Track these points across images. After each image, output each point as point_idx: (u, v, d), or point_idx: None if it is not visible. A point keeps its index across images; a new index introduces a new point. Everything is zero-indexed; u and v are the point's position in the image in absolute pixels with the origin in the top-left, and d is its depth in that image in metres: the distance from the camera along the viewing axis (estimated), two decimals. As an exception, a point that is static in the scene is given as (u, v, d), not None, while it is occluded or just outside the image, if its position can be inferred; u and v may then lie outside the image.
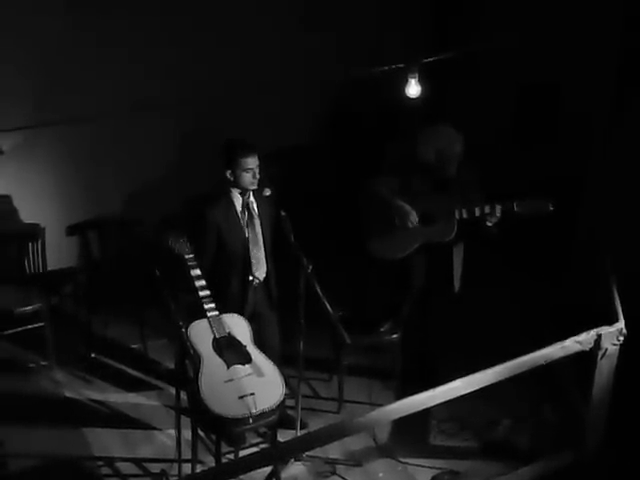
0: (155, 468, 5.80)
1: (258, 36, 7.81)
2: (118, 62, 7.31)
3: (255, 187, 5.70)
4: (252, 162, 5.62)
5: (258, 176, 5.65)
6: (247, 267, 5.85)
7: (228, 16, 7.64)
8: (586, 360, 5.00)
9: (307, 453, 5.75)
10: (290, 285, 5.45)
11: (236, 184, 5.69)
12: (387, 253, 6.23)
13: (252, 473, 4.38)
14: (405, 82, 6.68)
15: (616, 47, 6.81)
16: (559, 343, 4.75)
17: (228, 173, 5.66)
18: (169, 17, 7.38)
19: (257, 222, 5.83)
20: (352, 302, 6.52)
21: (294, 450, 4.93)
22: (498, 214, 5.92)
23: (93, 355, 7.10)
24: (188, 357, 5.28)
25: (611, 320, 4.96)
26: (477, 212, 5.94)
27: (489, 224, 5.96)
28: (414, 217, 6.09)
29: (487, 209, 5.92)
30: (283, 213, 5.47)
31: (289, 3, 7.98)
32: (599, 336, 4.86)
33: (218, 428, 5.08)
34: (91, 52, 7.18)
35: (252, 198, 5.79)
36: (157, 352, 7.07)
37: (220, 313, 5.43)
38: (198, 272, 5.50)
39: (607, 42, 6.94)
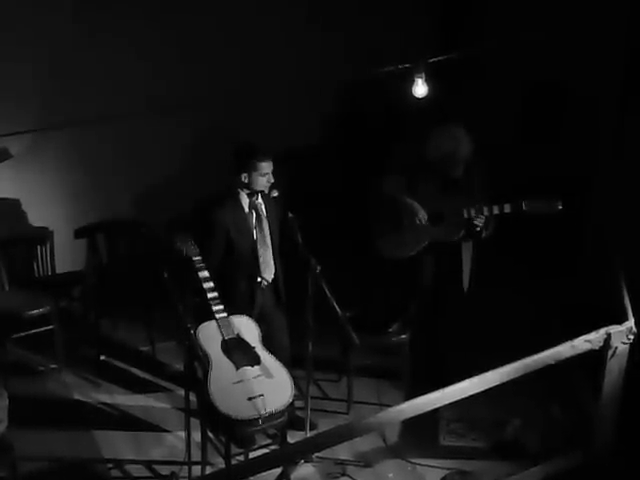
0: (165, 470, 5.79)
1: (265, 37, 7.81)
2: (126, 65, 7.33)
3: (267, 189, 5.71)
4: (268, 167, 5.65)
5: (272, 180, 5.67)
6: (255, 268, 5.85)
7: (234, 17, 7.65)
8: (596, 359, 5.00)
9: (317, 454, 5.75)
10: (298, 286, 5.45)
11: (248, 186, 5.70)
12: (395, 252, 6.23)
13: (262, 475, 4.37)
14: (412, 82, 6.67)
15: (623, 46, 6.81)
16: (569, 342, 4.74)
17: (243, 176, 5.66)
18: (177, 19, 7.39)
19: (265, 223, 5.83)
20: (360, 303, 6.51)
21: (303, 451, 4.92)
22: (484, 216, 5.93)
23: (102, 357, 7.10)
24: (197, 359, 5.28)
25: (621, 319, 4.95)
26: (486, 212, 5.94)
27: (477, 228, 5.96)
28: (423, 214, 6.09)
29: (496, 209, 5.92)
30: (291, 214, 5.48)
31: (296, 4, 7.97)
32: (609, 335, 4.85)
33: (227, 430, 5.09)
34: (99, 55, 7.19)
35: (260, 199, 5.80)
36: (166, 354, 7.08)
37: (228, 315, 5.44)
38: (206, 274, 5.51)
39: (614, 41, 6.94)
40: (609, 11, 6.90)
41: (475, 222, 5.96)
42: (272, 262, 5.93)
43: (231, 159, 5.72)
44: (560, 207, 5.85)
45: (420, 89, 6.63)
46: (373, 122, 8.62)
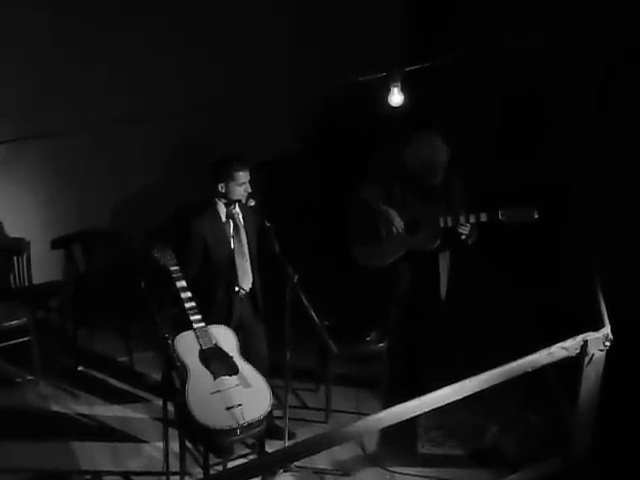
0: (143, 481, 5.79)
1: (242, 45, 7.81)
2: (103, 75, 7.30)
3: (244, 199, 5.71)
4: (245, 176, 5.66)
5: (250, 190, 5.67)
6: (233, 278, 5.85)
7: (211, 26, 7.64)
8: (574, 365, 5.02)
9: (295, 463, 5.74)
10: (276, 295, 5.44)
11: (225, 196, 5.71)
12: (372, 260, 6.23)
13: (240, 484, 4.37)
14: (388, 91, 6.69)
15: (598, 57, 6.84)
16: (545, 349, 4.76)
17: (220, 186, 5.67)
18: (153, 30, 7.37)
19: (243, 233, 5.84)
20: (338, 311, 6.52)
21: (282, 461, 4.91)
22: (469, 224, 5.94)
23: (80, 368, 7.06)
24: (175, 369, 5.28)
25: (597, 326, 4.97)
26: (462, 220, 5.94)
27: (463, 236, 5.97)
28: (399, 223, 6.09)
29: (472, 218, 5.92)
30: (268, 224, 5.48)
31: (273, 11, 7.98)
32: (585, 342, 4.87)
33: (206, 440, 5.09)
34: (76, 65, 7.16)
35: (237, 209, 5.80)
36: (144, 364, 7.05)
37: (206, 324, 5.43)
38: (184, 284, 5.51)
39: (590, 52, 6.97)
40: (586, 25, 6.93)
41: (460, 230, 5.96)
42: (250, 271, 5.93)
43: (208, 169, 5.72)
44: (537, 216, 5.86)
45: (396, 98, 6.64)
46: (352, 131, 8.63)
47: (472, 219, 5.93)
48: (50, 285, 7.53)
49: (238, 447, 5.64)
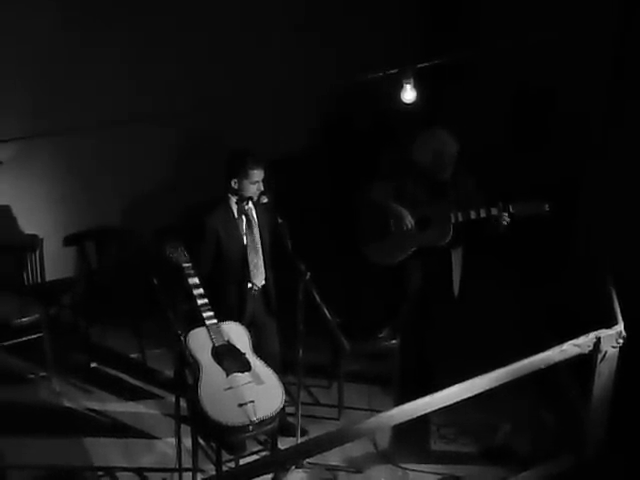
0: (156, 477, 5.79)
1: (252, 44, 7.80)
2: (116, 75, 7.31)
3: (256, 196, 5.70)
4: (259, 174, 5.63)
5: (262, 188, 5.66)
6: (246, 274, 5.84)
7: (221, 24, 7.64)
8: (587, 362, 5.01)
9: (307, 460, 5.75)
10: (289, 292, 5.44)
11: (237, 192, 5.70)
12: (383, 258, 6.22)
13: (253, 481, 4.37)
14: (400, 88, 6.68)
15: (609, 56, 6.83)
16: (558, 347, 4.75)
17: (233, 182, 5.66)
18: (163, 27, 7.37)
19: (256, 229, 5.82)
20: (350, 308, 6.51)
21: (294, 457, 4.93)
22: (507, 213, 5.90)
23: (92, 365, 7.08)
24: (187, 366, 5.28)
25: (610, 322, 4.96)
26: (473, 215, 5.93)
27: (504, 223, 5.93)
28: (409, 220, 6.07)
29: (483, 212, 5.91)
30: (280, 220, 5.47)
31: (282, 14, 7.97)
32: (598, 339, 4.87)
33: (218, 436, 5.09)
34: (89, 64, 7.17)
35: (250, 205, 5.79)
36: (156, 361, 7.06)
37: (219, 321, 5.44)
38: (196, 280, 5.50)
39: (601, 47, 6.96)
40: (598, 19, 6.92)
41: (501, 220, 5.93)
42: (263, 268, 5.91)
43: (222, 165, 5.71)
44: (547, 208, 5.86)
45: (408, 94, 6.65)
46: (361, 127, 8.62)
47: (483, 213, 5.92)
48: (63, 282, 7.55)
49: (250, 444, 5.66)
